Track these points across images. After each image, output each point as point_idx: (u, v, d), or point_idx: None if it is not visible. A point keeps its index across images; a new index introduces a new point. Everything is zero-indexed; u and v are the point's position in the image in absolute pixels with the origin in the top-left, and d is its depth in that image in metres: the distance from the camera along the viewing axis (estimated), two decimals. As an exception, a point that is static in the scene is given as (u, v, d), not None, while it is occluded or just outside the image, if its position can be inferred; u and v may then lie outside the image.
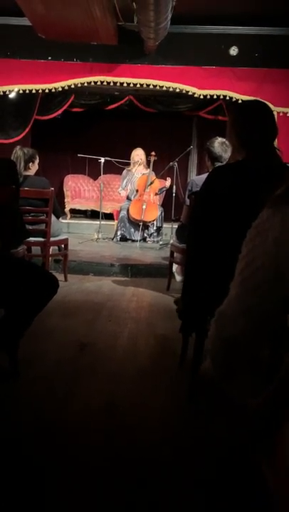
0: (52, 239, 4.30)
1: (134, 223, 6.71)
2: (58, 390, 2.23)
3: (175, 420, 2.02)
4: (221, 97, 6.11)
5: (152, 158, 6.89)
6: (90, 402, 2.12)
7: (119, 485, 1.56)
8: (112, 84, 6.12)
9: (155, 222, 6.82)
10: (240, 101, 5.84)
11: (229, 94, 6.02)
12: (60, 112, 7.26)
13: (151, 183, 6.79)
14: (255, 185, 1.85)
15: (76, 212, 8.46)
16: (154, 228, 6.87)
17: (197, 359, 2.10)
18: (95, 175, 8.50)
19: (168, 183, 6.72)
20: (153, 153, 6.91)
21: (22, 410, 2.04)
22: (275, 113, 2.47)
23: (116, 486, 1.55)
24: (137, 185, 6.85)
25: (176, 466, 1.68)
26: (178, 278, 4.57)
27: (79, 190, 8.66)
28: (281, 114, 5.75)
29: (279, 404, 0.85)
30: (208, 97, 6.15)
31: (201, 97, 6.15)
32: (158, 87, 6.13)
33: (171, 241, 4.96)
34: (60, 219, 5.18)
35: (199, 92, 6.07)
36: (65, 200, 8.29)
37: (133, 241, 6.64)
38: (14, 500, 1.46)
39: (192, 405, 2.12)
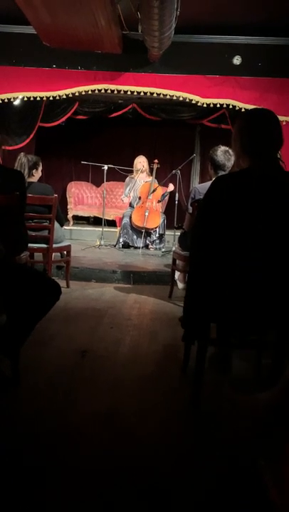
0: (54, 245, 4.30)
1: (137, 230, 6.72)
2: (59, 397, 2.22)
3: (177, 429, 2.01)
4: (224, 105, 6.16)
5: (155, 166, 6.92)
6: (91, 409, 2.12)
7: (119, 494, 1.55)
8: (115, 92, 6.17)
9: (157, 230, 6.83)
10: (243, 110, 5.88)
11: (232, 103, 6.07)
12: (64, 119, 7.32)
13: (154, 191, 6.81)
14: (258, 194, 1.86)
15: (79, 219, 8.50)
16: (157, 235, 6.88)
17: (199, 366, 2.10)
18: (98, 182, 8.54)
19: (171, 187, 6.76)
20: (156, 160, 6.94)
21: (22, 417, 2.03)
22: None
23: (116, 496, 1.54)
24: (139, 193, 6.87)
25: (177, 475, 1.67)
26: (180, 285, 4.57)
27: (82, 196, 8.70)
28: (284, 123, 5.78)
29: (283, 412, 0.85)
30: (212, 105, 6.19)
31: (205, 105, 6.20)
32: (162, 96, 6.19)
33: (174, 248, 4.96)
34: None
35: (203, 101, 6.12)
36: (68, 206, 8.33)
37: (135, 248, 6.65)
38: (14, 510, 1.45)
39: (194, 413, 2.11)
